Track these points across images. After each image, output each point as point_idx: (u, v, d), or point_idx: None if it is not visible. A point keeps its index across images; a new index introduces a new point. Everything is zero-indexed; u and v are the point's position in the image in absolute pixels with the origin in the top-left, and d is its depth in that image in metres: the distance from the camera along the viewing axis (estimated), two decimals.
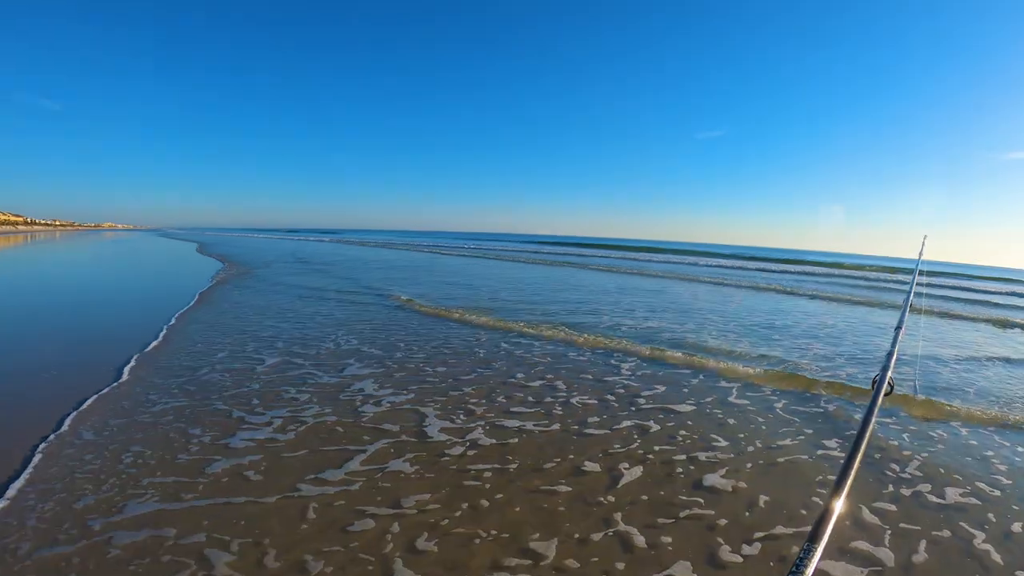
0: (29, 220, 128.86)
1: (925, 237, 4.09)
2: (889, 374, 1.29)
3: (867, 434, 0.96)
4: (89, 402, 3.90)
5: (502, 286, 12.59)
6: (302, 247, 33.02)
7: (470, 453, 3.30)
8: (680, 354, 6.07)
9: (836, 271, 29.17)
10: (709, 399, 4.65)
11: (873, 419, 1.04)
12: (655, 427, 3.94)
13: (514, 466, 3.14)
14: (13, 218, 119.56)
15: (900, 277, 24.97)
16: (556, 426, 3.86)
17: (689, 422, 4.07)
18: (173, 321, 6.98)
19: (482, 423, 3.83)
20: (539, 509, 2.70)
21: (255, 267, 16.21)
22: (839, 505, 0.78)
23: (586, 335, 6.90)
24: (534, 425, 3.85)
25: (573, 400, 4.47)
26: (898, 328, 1.83)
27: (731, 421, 4.14)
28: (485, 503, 2.71)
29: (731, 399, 4.67)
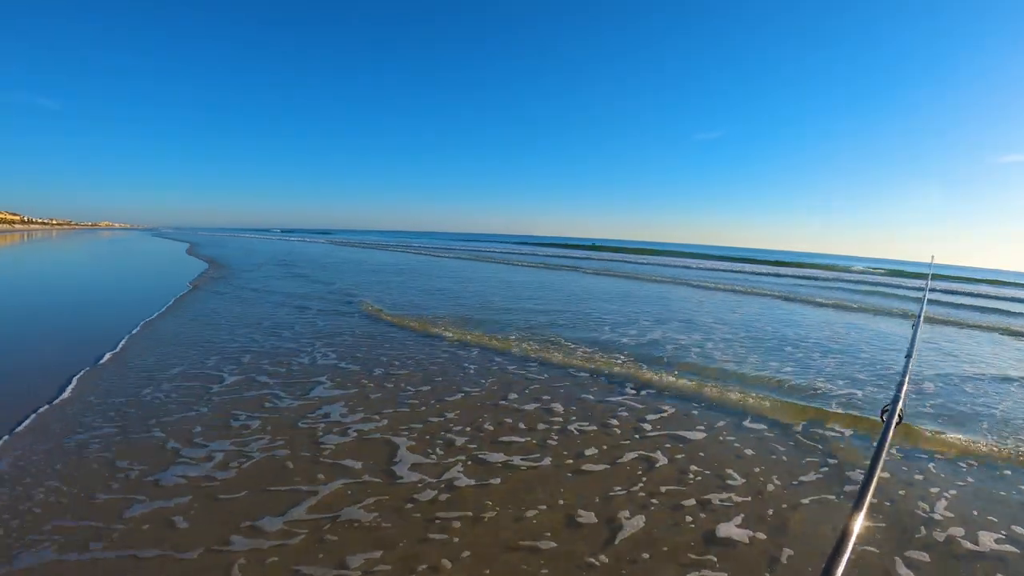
0: (26, 219, 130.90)
1: (932, 257, 4.23)
2: (900, 405, 1.31)
3: (878, 467, 0.99)
4: (26, 423, 3.59)
5: (497, 293, 12.20)
6: (295, 248, 32.75)
7: (442, 497, 2.91)
8: (688, 371, 5.69)
9: (841, 275, 29.54)
10: (722, 423, 4.34)
11: (884, 451, 1.06)
12: (662, 460, 3.59)
13: (492, 514, 2.76)
14: (10, 217, 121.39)
15: (900, 281, 24.99)
16: (548, 460, 3.48)
17: (701, 453, 3.74)
18: (137, 329, 6.66)
19: (462, 457, 3.45)
20: (515, 573, 2.31)
21: (241, 270, 15.94)
22: (850, 546, 0.80)
23: (586, 349, 6.51)
24: (522, 460, 3.47)
25: (571, 427, 4.11)
26: (908, 356, 1.81)
27: (748, 451, 3.80)
28: (448, 564, 2.33)
29: (746, 423, 4.35)
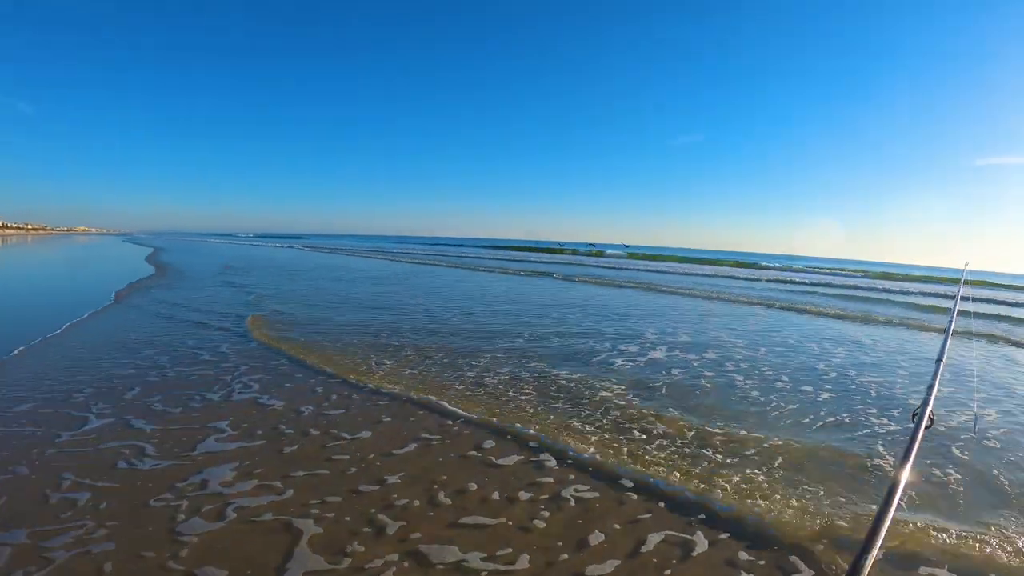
0: (0, 224, 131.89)
1: (966, 264, 4.60)
2: (929, 408, 1.39)
3: (906, 470, 1.08)
4: None
5: (479, 306, 11.16)
6: (273, 254, 31.71)
7: None
8: (707, 409, 4.69)
9: (840, 278, 30.60)
10: (762, 472, 3.46)
11: (913, 455, 1.13)
12: (700, 544, 2.71)
13: None
14: None
15: (894, 284, 25.90)
16: (526, 560, 2.48)
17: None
18: (18, 351, 5.70)
19: (394, 556, 2.46)
20: None
21: (188, 278, 14.98)
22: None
23: (581, 376, 5.50)
24: (485, 560, 2.47)
25: (567, 493, 3.14)
26: (939, 360, 1.88)
27: (812, 509, 2.93)
28: None
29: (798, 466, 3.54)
